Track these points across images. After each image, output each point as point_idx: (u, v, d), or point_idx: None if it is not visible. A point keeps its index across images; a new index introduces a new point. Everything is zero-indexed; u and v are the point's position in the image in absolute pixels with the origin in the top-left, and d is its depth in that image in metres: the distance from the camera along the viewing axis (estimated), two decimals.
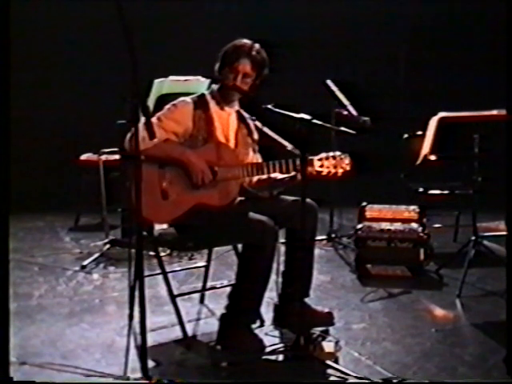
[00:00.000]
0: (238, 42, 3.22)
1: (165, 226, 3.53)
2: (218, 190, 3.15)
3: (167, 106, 3.22)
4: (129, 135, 3.04)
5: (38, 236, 5.70)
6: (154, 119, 3.10)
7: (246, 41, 3.23)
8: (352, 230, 4.76)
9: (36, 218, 6.33)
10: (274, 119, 3.15)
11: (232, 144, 3.30)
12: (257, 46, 3.23)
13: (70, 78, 6.92)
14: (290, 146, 3.21)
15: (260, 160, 3.39)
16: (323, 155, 3.11)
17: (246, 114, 3.39)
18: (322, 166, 3.09)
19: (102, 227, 5.20)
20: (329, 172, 3.09)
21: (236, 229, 3.07)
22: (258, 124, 3.41)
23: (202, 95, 3.30)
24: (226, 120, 3.30)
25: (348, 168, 3.09)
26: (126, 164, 3.16)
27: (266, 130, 3.40)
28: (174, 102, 3.24)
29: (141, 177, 2.69)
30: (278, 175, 3.22)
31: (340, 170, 3.09)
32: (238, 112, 3.36)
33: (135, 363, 2.81)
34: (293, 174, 3.13)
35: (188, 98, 3.25)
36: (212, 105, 3.26)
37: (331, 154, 3.11)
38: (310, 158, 3.07)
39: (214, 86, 3.31)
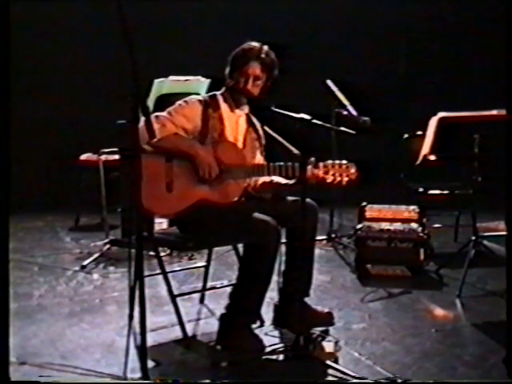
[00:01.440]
0: (246, 46, 3.23)
1: (164, 225, 3.53)
2: (222, 188, 3.15)
3: (178, 102, 3.23)
4: (141, 125, 3.03)
5: (37, 236, 5.71)
6: (164, 113, 3.14)
7: (254, 44, 3.24)
8: (352, 230, 4.76)
9: (36, 218, 6.34)
10: (274, 119, 3.16)
11: (240, 145, 3.31)
12: (265, 48, 3.24)
13: (70, 77, 6.93)
14: (296, 151, 3.21)
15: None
16: (329, 162, 3.09)
17: (255, 119, 3.40)
18: (327, 173, 3.07)
19: (102, 227, 5.20)
20: (333, 180, 3.07)
21: (239, 228, 3.07)
22: (267, 128, 3.41)
23: (214, 95, 3.31)
24: (236, 122, 3.31)
25: (353, 177, 3.07)
26: (132, 157, 3.15)
27: (273, 134, 3.40)
28: (186, 98, 3.26)
29: (140, 175, 2.68)
30: (281, 180, 3.23)
31: (345, 179, 3.07)
32: (247, 115, 3.37)
33: (135, 363, 2.81)
34: (298, 179, 3.13)
35: (199, 97, 3.30)
36: (222, 105, 3.27)
37: (337, 162, 3.09)
38: (314, 161, 3.07)
39: (225, 87, 3.31)
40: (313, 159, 3.05)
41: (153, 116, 3.01)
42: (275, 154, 3.36)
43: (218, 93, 3.33)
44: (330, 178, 3.08)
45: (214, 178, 3.12)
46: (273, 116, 3.08)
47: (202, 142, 3.18)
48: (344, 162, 3.09)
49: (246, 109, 3.35)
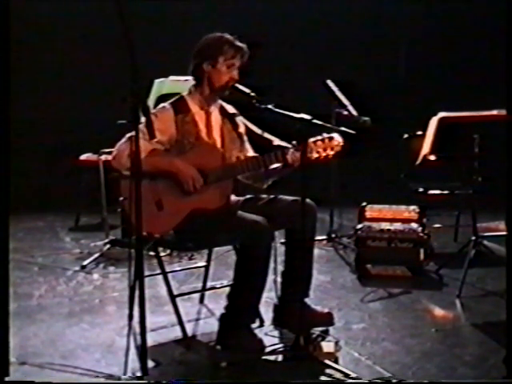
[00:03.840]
0: (228, 36, 3.19)
1: None
2: (212, 192, 3.13)
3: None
4: (114, 153, 3.06)
5: (38, 236, 5.70)
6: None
7: (227, 34, 3.21)
8: (352, 230, 4.76)
9: (36, 218, 6.33)
10: (274, 119, 3.15)
11: (218, 142, 3.27)
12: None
13: (70, 78, 6.93)
14: (276, 141, 3.20)
15: (250, 151, 3.38)
16: (310, 140, 3.05)
17: (229, 108, 3.36)
18: (311, 152, 3.03)
19: (102, 227, 5.20)
20: (319, 156, 3.05)
21: (231, 229, 3.06)
22: (243, 119, 3.39)
23: (181, 98, 3.26)
24: (209, 119, 3.27)
25: (339, 148, 3.04)
26: (119, 181, 3.14)
27: (250, 125, 3.38)
28: (154, 110, 3.20)
29: (140, 191, 2.64)
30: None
31: (331, 152, 3.05)
32: (220, 107, 3.33)
33: (135, 363, 2.81)
34: (283, 164, 3.12)
35: (167, 104, 3.21)
36: (192, 106, 3.23)
37: (319, 137, 3.06)
38: (296, 143, 3.04)
39: (192, 86, 3.27)
40: (294, 142, 3.03)
41: (126, 137, 2.97)
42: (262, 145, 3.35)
43: (185, 94, 3.27)
44: (314, 155, 3.05)
45: (199, 188, 3.10)
46: (271, 115, 3.07)
47: (180, 149, 3.14)
48: (325, 135, 3.06)
49: (218, 102, 3.30)
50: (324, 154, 3.05)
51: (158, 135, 3.06)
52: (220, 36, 3.22)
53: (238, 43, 3.20)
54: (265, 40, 3.32)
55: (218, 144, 3.27)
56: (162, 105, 3.23)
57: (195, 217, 3.09)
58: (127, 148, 2.71)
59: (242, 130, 3.39)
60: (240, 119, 3.39)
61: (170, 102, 3.23)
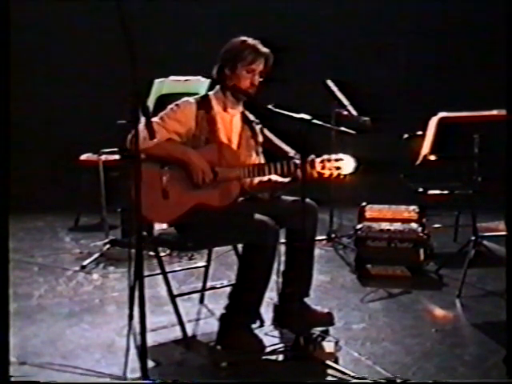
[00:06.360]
0: (250, 41, 3.18)
1: (164, 225, 3.53)
2: (219, 190, 3.14)
3: (170, 106, 3.20)
4: (130, 135, 3.05)
5: (38, 236, 5.71)
6: (156, 119, 3.11)
7: (251, 39, 3.20)
8: (352, 230, 4.76)
9: (36, 218, 6.34)
10: (274, 119, 3.15)
11: (235, 145, 3.28)
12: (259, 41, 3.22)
13: (70, 78, 6.94)
14: (292, 152, 3.21)
15: (263, 162, 3.39)
16: (325, 157, 3.08)
17: (251, 116, 3.38)
18: (323, 168, 3.06)
19: (102, 227, 5.20)
20: (331, 174, 3.06)
21: (237, 229, 3.06)
22: (263, 128, 3.41)
23: (206, 96, 3.29)
24: (230, 122, 3.28)
25: (351, 170, 3.07)
26: (128, 164, 3.16)
27: (269, 135, 3.39)
28: (178, 102, 3.22)
29: (140, 176, 2.67)
30: (278, 178, 3.22)
31: (343, 173, 3.08)
32: (242, 113, 3.35)
33: (135, 363, 2.81)
34: (293, 177, 3.12)
35: (191, 99, 3.24)
36: (215, 106, 3.24)
37: (334, 156, 3.08)
38: (312, 158, 3.06)
39: (218, 87, 3.29)
40: (312, 157, 3.04)
41: (143, 123, 2.99)
42: (274, 154, 3.35)
43: (210, 93, 3.30)
44: (326, 173, 3.07)
45: (208, 182, 3.11)
46: (271, 115, 3.07)
47: (196, 144, 3.16)
48: (340, 155, 3.08)
49: (241, 107, 3.32)
50: (336, 173, 3.06)
51: (177, 126, 3.13)
52: (242, 40, 3.20)
53: (261, 48, 3.18)
54: (264, 40, 3.28)
55: (234, 147, 3.28)
56: (185, 98, 3.24)
57: (198, 212, 3.09)
58: (143, 131, 2.72)
59: (259, 139, 3.40)
60: (259, 128, 3.40)
61: (194, 97, 3.26)
